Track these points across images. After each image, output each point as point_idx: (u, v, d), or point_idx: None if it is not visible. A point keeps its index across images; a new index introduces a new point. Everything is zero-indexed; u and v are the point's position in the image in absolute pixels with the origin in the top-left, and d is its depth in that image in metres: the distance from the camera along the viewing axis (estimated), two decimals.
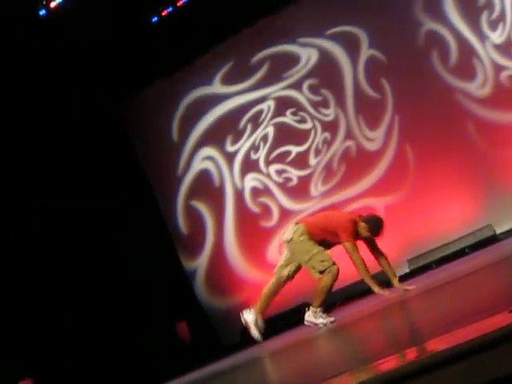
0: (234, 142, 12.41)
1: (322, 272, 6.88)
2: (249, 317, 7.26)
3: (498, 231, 10.54)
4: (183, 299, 12.38)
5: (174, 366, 10.45)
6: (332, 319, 6.94)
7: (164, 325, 11.82)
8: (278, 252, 9.90)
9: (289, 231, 7.29)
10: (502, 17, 11.01)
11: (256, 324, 7.21)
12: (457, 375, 1.73)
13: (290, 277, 7.24)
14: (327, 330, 6.55)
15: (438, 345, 1.91)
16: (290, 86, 12.12)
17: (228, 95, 12.50)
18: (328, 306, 7.36)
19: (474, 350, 1.72)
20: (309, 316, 7.01)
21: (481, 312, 2.27)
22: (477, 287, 4.01)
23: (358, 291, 9.84)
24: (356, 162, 11.63)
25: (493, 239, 10.38)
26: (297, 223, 7.31)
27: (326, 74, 11.90)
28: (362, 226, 7.10)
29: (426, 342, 2.14)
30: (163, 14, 11.93)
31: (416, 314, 4.56)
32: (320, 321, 6.91)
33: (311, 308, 7.02)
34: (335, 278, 6.92)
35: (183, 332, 12.01)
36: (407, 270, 10.88)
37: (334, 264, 6.91)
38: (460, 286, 4.94)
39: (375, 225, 7.20)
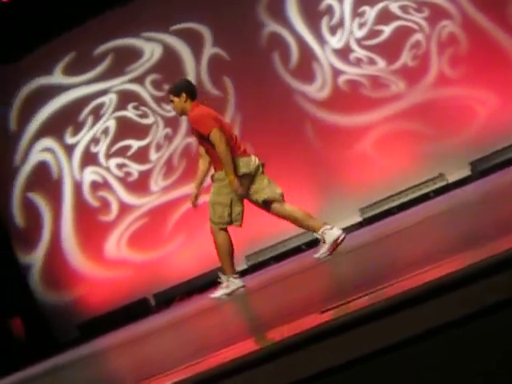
0: (74, 134, 12.20)
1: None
2: None
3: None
4: (18, 294, 12.04)
5: (8, 363, 10.17)
6: None
7: None
8: None
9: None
10: (341, 23, 11.39)
11: None
12: (268, 373, 1.81)
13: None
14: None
15: (248, 346, 1.98)
16: (132, 80, 12.05)
17: (69, 86, 12.26)
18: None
19: (285, 349, 1.81)
20: None
21: (296, 312, 2.36)
22: (300, 287, 4.15)
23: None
24: (197, 159, 11.64)
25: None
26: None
27: (169, 69, 11.89)
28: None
29: (239, 343, 2.21)
30: None
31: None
32: None
33: None
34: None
35: (17, 329, 11.69)
36: (245, 266, 11.08)
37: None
38: (287, 285, 5.08)
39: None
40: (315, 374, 1.78)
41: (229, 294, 6.41)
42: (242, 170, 6.42)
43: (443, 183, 10.72)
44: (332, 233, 6.28)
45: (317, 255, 6.33)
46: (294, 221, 6.56)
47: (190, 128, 6.89)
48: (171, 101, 6.57)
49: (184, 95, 6.45)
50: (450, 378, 1.76)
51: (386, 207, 10.72)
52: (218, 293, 6.51)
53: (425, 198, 10.44)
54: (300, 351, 1.82)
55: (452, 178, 10.73)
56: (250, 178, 6.49)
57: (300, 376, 1.82)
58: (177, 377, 2.06)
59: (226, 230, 6.56)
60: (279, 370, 1.83)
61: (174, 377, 2.08)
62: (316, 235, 6.41)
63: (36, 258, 12.31)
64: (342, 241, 6.31)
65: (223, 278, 6.54)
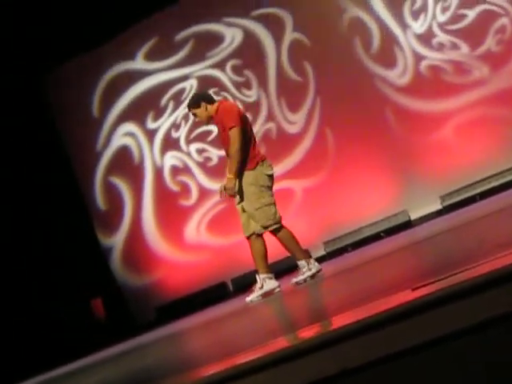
0: (156, 119, 12.36)
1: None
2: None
3: (413, 217, 10.79)
4: (99, 276, 12.28)
5: (88, 342, 10.37)
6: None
7: (79, 301, 11.73)
8: None
9: None
10: (424, 7, 11.20)
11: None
12: (362, 346, 1.81)
13: None
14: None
15: (343, 319, 1.98)
16: (213, 66, 12.10)
17: (151, 71, 12.41)
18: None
19: (378, 323, 1.80)
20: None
21: (387, 290, 2.35)
22: (386, 268, 4.12)
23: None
24: (276, 144, 11.68)
25: (407, 225, 10.63)
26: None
27: (249, 55, 11.91)
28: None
29: (332, 318, 2.21)
30: None
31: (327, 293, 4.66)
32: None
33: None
34: None
35: (98, 309, 11.93)
36: (323, 253, 11.04)
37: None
38: (371, 268, 5.05)
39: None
40: (406, 349, 1.78)
41: (311, 277, 6.43)
42: (270, 171, 6.59)
43: None
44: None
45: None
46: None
47: (214, 121, 6.88)
48: (194, 114, 6.79)
49: (203, 103, 6.66)
50: None
51: (467, 195, 10.54)
52: (300, 277, 6.54)
53: (508, 185, 10.22)
54: (392, 326, 1.81)
55: None
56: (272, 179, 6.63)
57: (390, 351, 1.82)
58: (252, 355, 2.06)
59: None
60: (371, 345, 1.83)
61: (247, 356, 2.08)
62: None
63: (117, 240, 12.54)
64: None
65: (301, 262, 6.56)
